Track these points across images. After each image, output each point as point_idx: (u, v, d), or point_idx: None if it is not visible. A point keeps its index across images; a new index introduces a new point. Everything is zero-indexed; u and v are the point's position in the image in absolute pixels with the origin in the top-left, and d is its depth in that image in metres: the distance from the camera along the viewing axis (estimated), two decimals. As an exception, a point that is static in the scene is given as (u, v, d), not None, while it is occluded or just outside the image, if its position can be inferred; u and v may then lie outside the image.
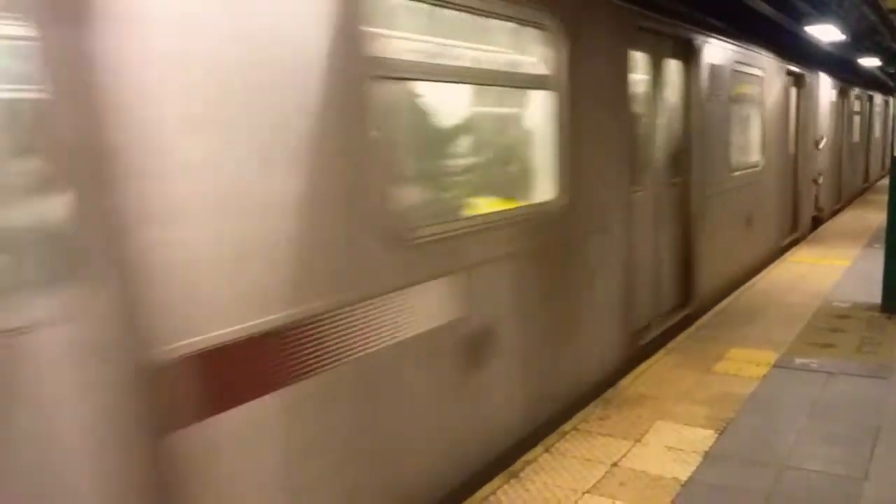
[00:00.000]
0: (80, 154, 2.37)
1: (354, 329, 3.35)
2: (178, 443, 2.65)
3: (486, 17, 4.33)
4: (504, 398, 4.55)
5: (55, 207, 2.34)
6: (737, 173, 8.85)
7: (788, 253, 11.25)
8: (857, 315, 7.62)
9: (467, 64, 4.32)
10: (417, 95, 4.08)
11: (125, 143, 2.45)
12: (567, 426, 5.04)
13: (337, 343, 3.26)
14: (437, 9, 3.95)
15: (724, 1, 7.19)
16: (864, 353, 6.42)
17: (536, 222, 4.77)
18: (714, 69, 7.70)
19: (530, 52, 4.75)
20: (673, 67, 7.02)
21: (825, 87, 13.55)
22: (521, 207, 4.70)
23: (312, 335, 3.12)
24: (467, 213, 4.43)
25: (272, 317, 2.95)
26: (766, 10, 7.93)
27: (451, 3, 3.97)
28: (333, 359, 3.25)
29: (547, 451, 4.67)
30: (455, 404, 4.10)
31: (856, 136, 17.59)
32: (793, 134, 11.66)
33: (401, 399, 3.69)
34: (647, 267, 6.67)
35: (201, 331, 2.70)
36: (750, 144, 9.52)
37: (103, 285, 2.43)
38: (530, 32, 4.71)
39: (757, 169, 9.70)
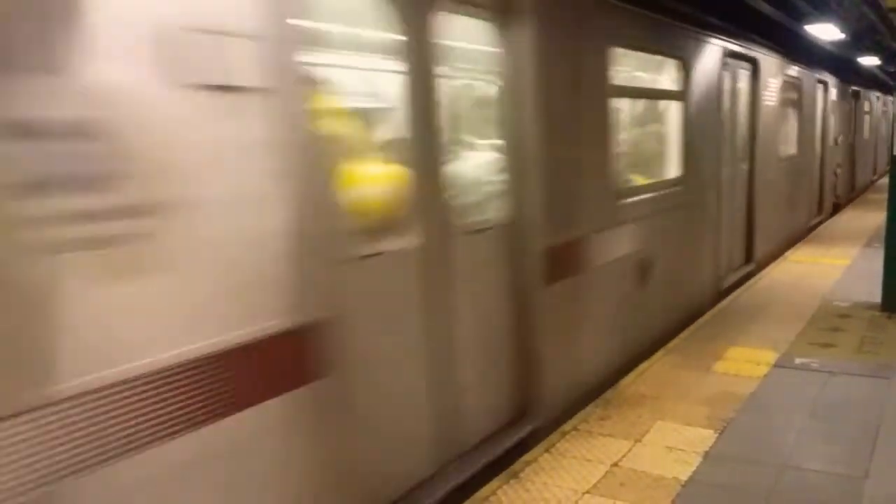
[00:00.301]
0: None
1: (600, 246, 5.62)
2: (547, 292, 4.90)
3: (652, 54, 6.84)
4: (656, 305, 6.77)
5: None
6: (782, 163, 11.01)
7: (790, 251, 11.26)
8: (857, 314, 7.61)
9: (645, 85, 7.24)
10: (618, 108, 6.14)
11: None
12: (567, 426, 5.03)
13: (594, 253, 5.52)
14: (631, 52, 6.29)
15: (774, 26, 9.17)
16: (864, 353, 6.42)
17: (671, 191, 6.99)
18: (768, 79, 9.95)
19: (670, 77, 7.17)
20: (743, 79, 9.16)
21: (843, 91, 15.88)
22: (663, 180, 7.05)
23: (587, 246, 5.44)
24: (635, 184, 6.57)
25: (579, 233, 5.34)
26: (808, 33, 10.05)
27: (642, 48, 6.52)
28: (592, 264, 5.49)
29: (547, 451, 4.67)
30: (633, 303, 6.32)
31: (866, 134, 19.76)
32: (819, 131, 13.70)
33: (616, 297, 6.01)
34: (725, 230, 8.61)
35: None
36: (789, 140, 11.45)
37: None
38: (672, 63, 7.11)
39: (794, 161, 11.77)
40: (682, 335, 7.05)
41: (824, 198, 14.61)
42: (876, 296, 7.82)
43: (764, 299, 8.36)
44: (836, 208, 15.59)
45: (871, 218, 14.08)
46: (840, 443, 4.73)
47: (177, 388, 2.51)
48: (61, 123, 2.19)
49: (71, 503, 2.26)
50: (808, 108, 12.49)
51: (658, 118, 7.37)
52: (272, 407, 2.84)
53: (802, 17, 9.20)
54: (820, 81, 13.36)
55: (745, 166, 9.27)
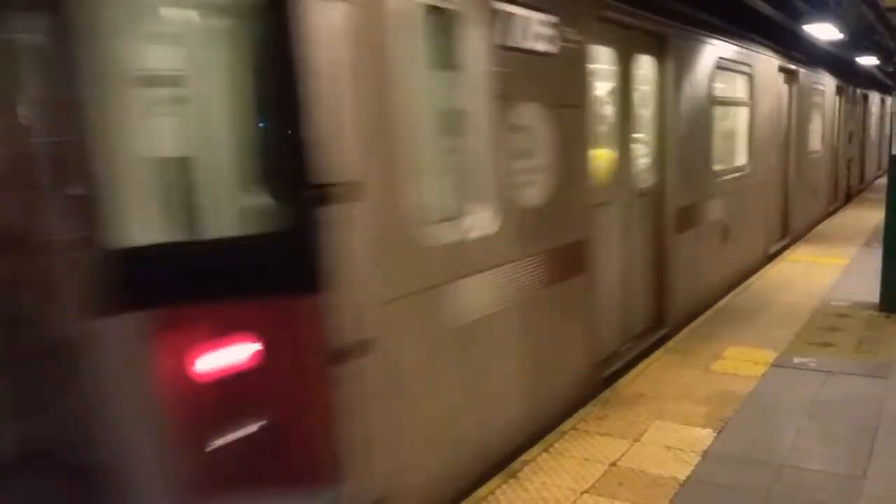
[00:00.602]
0: None
1: (705, 210, 7.75)
2: (675, 239, 7.04)
3: (733, 72, 8.86)
4: (730, 258, 8.80)
5: None
6: (811, 156, 13.14)
7: (787, 251, 11.27)
8: (855, 314, 7.61)
9: (726, 95, 8.85)
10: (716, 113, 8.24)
11: None
12: (566, 426, 5.03)
13: (701, 215, 7.66)
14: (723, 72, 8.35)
15: (810, 45, 11.23)
16: (862, 353, 6.42)
17: (740, 176, 9.07)
18: (804, 86, 12.10)
19: (741, 88, 9.35)
20: (784, 88, 11.37)
21: (854, 95, 18.01)
22: (736, 167, 9.09)
23: (698, 210, 7.56)
24: (722, 169, 8.43)
25: (694, 200, 7.49)
26: (832, 49, 11.99)
27: (730, 69, 8.58)
28: (700, 223, 7.60)
29: (546, 450, 4.67)
30: (719, 258, 8.40)
31: (872, 132, 21.94)
32: (836, 130, 15.69)
33: (711, 248, 8.09)
34: (771, 210, 10.77)
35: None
36: (814, 137, 13.29)
37: None
38: (743, 78, 9.25)
39: (818, 155, 13.73)
40: (681, 334, 7.06)
41: (839, 188, 16.66)
42: (874, 296, 7.82)
43: (762, 299, 8.36)
44: (848, 197, 17.75)
45: (870, 218, 14.08)
46: (838, 442, 4.74)
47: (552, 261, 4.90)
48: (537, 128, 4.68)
49: (520, 299, 4.57)
50: (829, 111, 14.57)
51: (733, 119, 9.44)
52: (572, 282, 5.21)
53: (801, 17, 9.20)
54: (837, 87, 15.49)
55: (782, 159, 11.37)
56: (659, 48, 6.64)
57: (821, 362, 6.18)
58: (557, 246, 4.95)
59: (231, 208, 3.19)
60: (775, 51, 10.23)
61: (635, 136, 6.40)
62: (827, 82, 14.17)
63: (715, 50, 7.88)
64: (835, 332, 7.00)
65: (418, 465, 3.73)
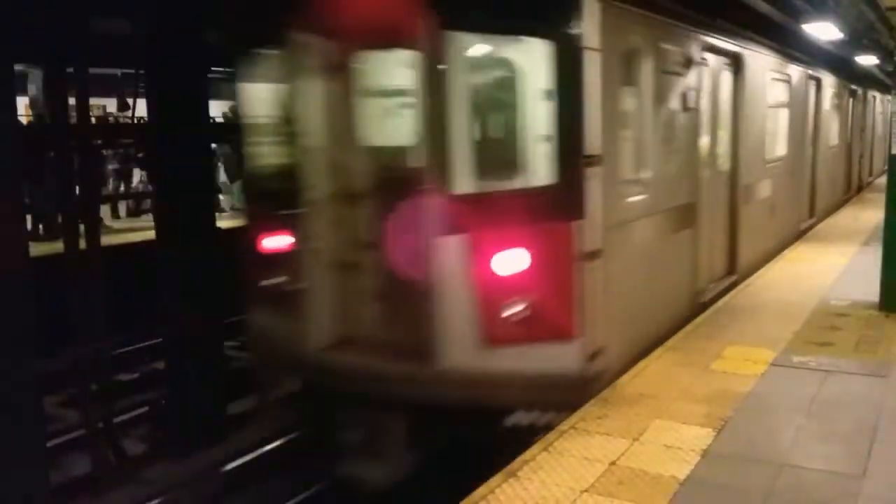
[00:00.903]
0: None
1: (760, 188, 9.70)
2: (742, 209, 9.13)
3: (779, 80, 10.62)
4: (776, 229, 10.76)
5: None
6: (832, 150, 15.34)
7: (787, 250, 11.27)
8: (855, 313, 7.61)
9: (776, 99, 10.55)
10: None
11: None
12: (565, 425, 5.02)
13: (758, 192, 9.66)
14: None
15: (832, 56, 13.63)
16: (862, 352, 6.41)
17: (781, 164, 10.92)
18: (825, 91, 14.22)
19: (782, 92, 11.00)
20: (812, 92, 13.26)
21: (864, 96, 20.50)
22: (778, 157, 10.83)
23: (756, 188, 9.58)
24: (768, 157, 10.29)
25: (753, 180, 9.57)
26: (847, 57, 14.25)
27: (778, 79, 10.58)
28: (757, 198, 9.70)
29: (545, 449, 4.66)
30: (769, 227, 10.32)
31: (879, 130, 23.76)
32: (849, 127, 17.76)
33: (763, 219, 10.00)
34: (802, 193, 12.81)
35: None
36: (832, 134, 15.47)
37: None
38: (784, 84, 10.98)
39: (836, 149, 15.99)
40: (681, 333, 7.06)
41: (852, 179, 18.79)
42: (874, 295, 7.81)
43: (762, 298, 8.36)
44: (860, 188, 19.93)
45: (869, 217, 14.08)
46: (838, 441, 4.73)
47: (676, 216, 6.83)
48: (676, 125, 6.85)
49: (663, 237, 6.59)
50: (843, 110, 16.62)
51: (776, 118, 10.96)
52: (685, 232, 7.06)
53: (801, 16, 9.21)
54: (851, 91, 17.55)
55: (809, 152, 13.21)
56: (735, 65, 8.62)
57: (820, 361, 6.17)
58: (681, 204, 7.01)
59: (541, 168, 5.19)
60: (805, 62, 12.31)
61: (720, 131, 8.32)
62: (842, 86, 16.50)
63: (767, 64, 9.93)
64: (834, 332, 6.99)
65: (618, 332, 5.70)
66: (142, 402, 7.21)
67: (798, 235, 12.25)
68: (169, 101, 6.26)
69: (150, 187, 11.05)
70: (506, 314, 4.87)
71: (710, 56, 7.64)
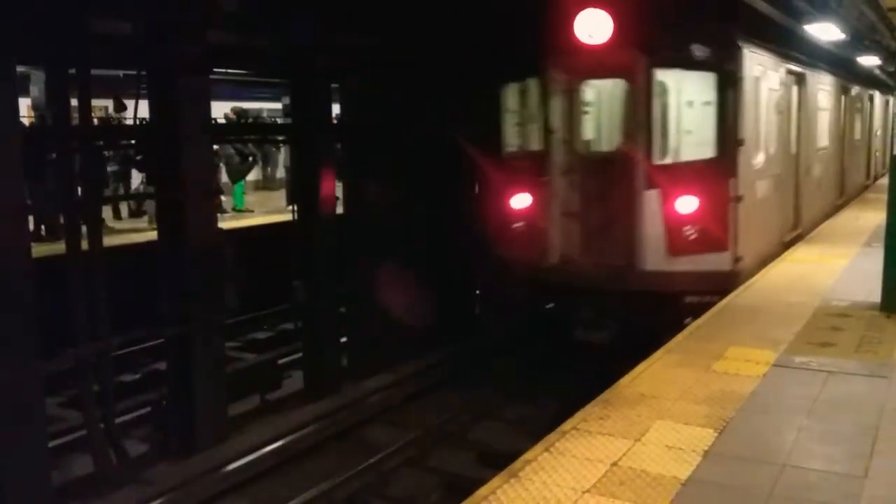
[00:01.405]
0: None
1: (813, 169, 12.80)
2: None
3: (822, 91, 13.81)
4: (823, 202, 13.85)
5: None
6: (856, 143, 18.18)
7: (788, 251, 11.27)
8: (856, 314, 7.60)
9: (821, 104, 13.66)
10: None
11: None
12: (567, 425, 5.02)
13: (812, 171, 12.76)
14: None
15: (853, 66, 16.37)
16: (863, 353, 6.40)
17: (824, 152, 13.69)
18: (851, 96, 17.09)
19: (824, 98, 13.97)
20: (841, 96, 16.19)
21: (883, 99, 24.60)
22: (822, 146, 13.59)
23: (812, 168, 12.78)
24: (817, 146, 13.28)
25: (810, 162, 12.81)
26: (867, 65, 17.16)
27: (822, 90, 13.83)
28: (813, 175, 12.97)
29: (547, 450, 4.66)
30: (818, 199, 13.38)
31: (892, 127, 28.23)
32: (868, 125, 20.79)
33: (813, 192, 13.12)
34: (834, 176, 15.45)
35: None
36: (856, 130, 18.21)
37: None
38: (825, 93, 13.82)
39: (859, 143, 18.84)
40: (682, 334, 7.05)
41: (870, 171, 21.87)
42: (875, 295, 7.80)
43: (763, 299, 8.35)
44: (875, 178, 22.40)
45: (871, 218, 14.07)
46: (839, 442, 4.72)
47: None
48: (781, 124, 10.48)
49: (770, 194, 9.87)
50: (866, 111, 20.07)
51: (819, 118, 13.61)
52: (777, 193, 10.25)
53: (803, 18, 9.22)
54: (869, 95, 20.65)
55: (840, 144, 15.92)
56: (799, 82, 11.57)
57: (822, 362, 6.16)
58: (776, 173, 9.94)
59: (710, 148, 8.28)
60: (837, 74, 15.03)
61: (791, 125, 11.12)
62: (863, 92, 19.55)
63: (816, 79, 12.66)
64: (836, 332, 6.99)
65: (750, 248, 8.64)
66: (144, 403, 7.22)
67: (834, 210, 14.97)
68: (170, 102, 6.28)
69: (148, 189, 11.08)
70: (685, 235, 8.15)
71: (788, 77, 10.75)
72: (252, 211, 15.06)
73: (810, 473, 4.33)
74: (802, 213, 11.97)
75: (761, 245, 9.42)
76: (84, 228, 6.03)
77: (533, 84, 8.62)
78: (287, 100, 14.11)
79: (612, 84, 8.63)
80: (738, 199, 8.26)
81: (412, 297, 8.48)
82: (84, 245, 5.97)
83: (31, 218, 11.44)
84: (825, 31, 9.89)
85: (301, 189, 7.88)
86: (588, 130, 8.90)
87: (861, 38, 11.88)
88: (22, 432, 5.25)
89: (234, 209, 15.12)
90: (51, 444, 6.01)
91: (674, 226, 8.09)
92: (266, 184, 20.36)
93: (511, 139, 9.02)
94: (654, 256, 8.09)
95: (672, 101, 8.33)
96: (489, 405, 8.18)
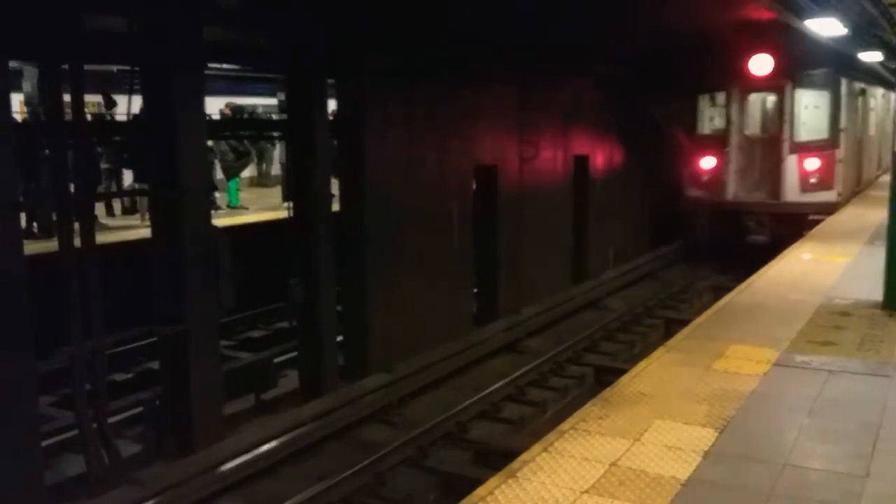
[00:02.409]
0: None
1: (863, 150, 18.84)
2: None
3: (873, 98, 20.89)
4: (868, 176, 20.18)
5: None
6: (889, 133, 21.51)
7: (788, 249, 11.22)
8: (858, 312, 7.55)
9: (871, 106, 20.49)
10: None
11: None
12: (565, 425, 4.97)
13: (862, 151, 18.98)
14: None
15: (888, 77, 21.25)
16: (865, 351, 6.36)
17: (868, 142, 19.89)
18: (888, 99, 24.35)
19: (872, 102, 21.01)
20: (882, 100, 23.06)
21: None
22: (870, 135, 20.35)
23: (862, 150, 18.83)
24: (867, 134, 19.90)
25: (860, 147, 18.80)
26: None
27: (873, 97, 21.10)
28: (863, 156, 19.46)
29: (545, 450, 4.60)
30: (867, 173, 19.96)
31: None
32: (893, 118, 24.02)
33: (865, 169, 19.69)
34: (876, 157, 21.64)
35: None
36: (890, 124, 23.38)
37: None
38: (873, 98, 20.93)
39: (891, 132, 21.20)
40: (682, 333, 7.00)
41: None
42: (877, 294, 7.76)
43: (764, 297, 8.30)
44: None
45: (874, 215, 14.01)
46: (840, 441, 4.68)
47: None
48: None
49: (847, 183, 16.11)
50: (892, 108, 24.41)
51: (869, 115, 19.41)
52: (855, 160, 17.35)
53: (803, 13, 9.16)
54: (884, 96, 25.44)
55: (880, 134, 21.17)
56: (862, 92, 16.76)
57: (823, 361, 6.12)
58: (852, 146, 15.86)
59: (824, 132, 14.74)
60: (881, 85, 20.84)
61: (859, 120, 16.39)
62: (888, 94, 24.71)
63: (870, 91, 18.39)
64: (837, 331, 6.94)
65: (845, 188, 15.27)
66: (138, 402, 7.17)
67: (875, 178, 20.75)
68: (165, 98, 6.23)
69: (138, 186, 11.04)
70: (809, 181, 14.33)
71: (859, 91, 16.55)
72: (247, 208, 15.00)
73: (811, 473, 4.30)
74: (863, 175, 18.71)
75: (849, 189, 15.94)
76: (77, 225, 5.97)
77: (719, 95, 15.22)
78: (283, 95, 14.08)
79: (767, 95, 14.97)
80: (839, 161, 14.59)
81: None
82: (77, 242, 5.91)
83: (23, 215, 11.43)
84: (827, 27, 9.81)
85: (297, 185, 7.83)
86: (753, 121, 15.19)
87: (862, 34, 11.79)
88: (14, 432, 5.20)
89: (228, 206, 15.05)
90: (43, 444, 5.95)
91: (803, 175, 14.46)
92: (261, 180, 20.30)
93: (703, 126, 15.37)
94: (791, 193, 14.41)
95: (800, 106, 14.60)
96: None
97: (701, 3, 9.83)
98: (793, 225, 13.72)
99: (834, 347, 6.46)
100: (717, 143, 14.79)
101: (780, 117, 14.44)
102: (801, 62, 13.82)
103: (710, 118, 15.44)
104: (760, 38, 12.81)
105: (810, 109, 14.59)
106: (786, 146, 14.31)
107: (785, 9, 8.92)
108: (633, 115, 14.11)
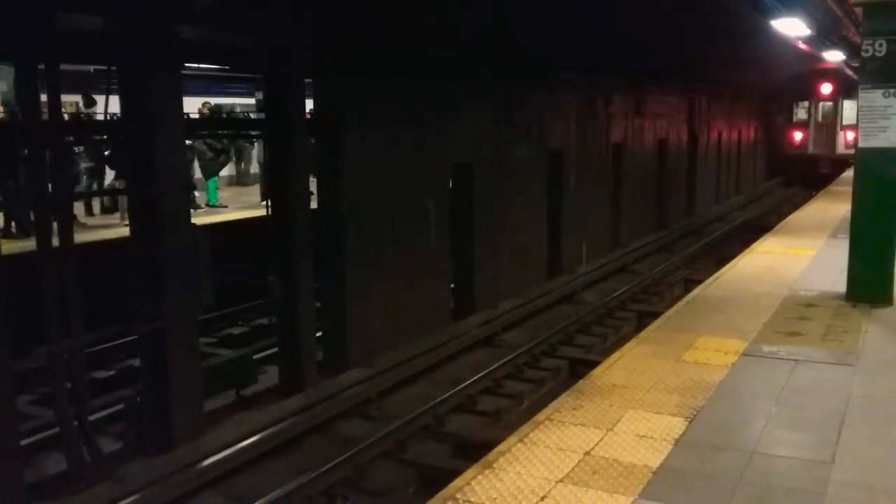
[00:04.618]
0: None
1: None
2: None
3: None
4: None
5: None
6: None
7: (755, 243, 11.44)
8: (823, 304, 7.76)
9: None
10: None
11: None
12: (540, 416, 5.09)
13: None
14: None
15: None
16: (830, 341, 6.55)
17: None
18: None
19: None
20: None
21: None
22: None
23: None
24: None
25: None
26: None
27: None
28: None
29: (520, 441, 4.72)
30: None
31: None
32: None
33: None
34: None
35: None
36: None
37: None
38: None
39: None
40: (653, 325, 7.16)
41: None
42: (841, 285, 7.97)
43: (732, 290, 8.49)
44: None
45: (837, 210, 14.32)
46: (807, 429, 4.84)
47: None
48: None
49: None
50: None
51: None
52: None
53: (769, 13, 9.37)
54: None
55: None
56: None
57: (789, 351, 6.30)
58: None
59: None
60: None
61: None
62: None
63: None
64: (803, 322, 7.13)
65: None
66: (118, 400, 7.18)
67: None
68: (142, 98, 6.25)
69: (118, 185, 11.01)
70: (851, 143, 21.63)
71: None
72: (226, 206, 14.98)
73: (779, 460, 4.44)
74: None
75: None
76: (55, 225, 5.98)
77: (803, 102, 27.66)
78: (261, 95, 14.06)
79: (828, 102, 27.14)
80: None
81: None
82: (56, 241, 5.92)
83: (1, 215, 11.34)
84: (791, 27, 10.02)
85: (275, 184, 7.88)
86: (821, 115, 27.33)
87: (828, 34, 12.03)
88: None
89: (207, 204, 15.03)
90: (25, 442, 5.96)
91: (845, 141, 25.78)
92: (240, 179, 20.25)
93: (796, 117, 27.84)
94: (840, 149, 26.44)
95: (845, 108, 25.85)
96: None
97: (798, 60, 21.70)
98: (841, 165, 24.84)
99: (800, 338, 6.64)
100: (804, 126, 27.89)
101: (835, 113, 26.91)
102: (844, 86, 25.69)
103: (798, 114, 28.10)
104: (825, 75, 26.14)
105: (849, 109, 24.62)
106: (838, 127, 26.84)
107: (761, 16, 9.27)
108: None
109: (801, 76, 26.26)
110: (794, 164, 28.74)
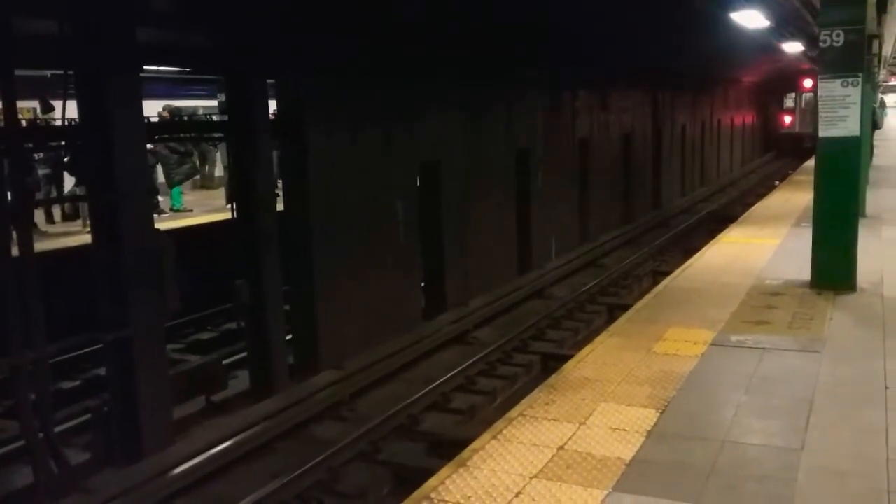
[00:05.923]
0: None
1: None
2: None
3: None
4: None
5: None
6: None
7: (721, 234, 11.57)
8: (788, 292, 7.86)
9: None
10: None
11: None
12: (513, 412, 5.09)
13: None
14: None
15: None
16: (796, 329, 6.63)
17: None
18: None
19: None
20: None
21: None
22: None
23: None
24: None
25: None
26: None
27: None
28: None
29: (494, 437, 4.72)
30: None
31: None
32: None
33: None
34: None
35: None
36: None
37: None
38: None
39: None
40: (623, 318, 7.19)
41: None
42: (806, 273, 8.08)
43: (700, 281, 8.57)
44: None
45: (800, 199, 14.53)
46: (776, 416, 4.90)
47: None
48: None
49: None
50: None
51: None
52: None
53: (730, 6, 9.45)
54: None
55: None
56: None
57: (757, 340, 6.37)
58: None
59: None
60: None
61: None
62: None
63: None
64: (769, 310, 7.22)
65: None
66: (84, 410, 7.06)
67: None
68: (101, 102, 6.15)
69: (79, 191, 10.84)
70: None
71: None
72: (191, 210, 14.80)
73: (749, 448, 4.49)
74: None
75: None
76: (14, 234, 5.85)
77: (791, 94, 35.50)
78: (223, 97, 13.88)
79: (811, 94, 31.58)
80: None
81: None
82: (16, 251, 5.80)
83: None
84: (750, 19, 10.14)
85: (240, 186, 7.80)
86: (805, 103, 34.14)
87: (786, 25, 12.19)
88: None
89: (171, 209, 14.84)
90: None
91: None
92: (204, 182, 20.02)
93: (786, 105, 36.12)
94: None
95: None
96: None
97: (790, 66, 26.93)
98: None
99: (767, 326, 6.72)
100: (792, 111, 35.36)
101: (815, 101, 31.78)
102: None
103: (786, 102, 35.49)
104: (807, 73, 29.25)
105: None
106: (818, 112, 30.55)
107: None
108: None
109: (786, 75, 32.42)
110: (785, 140, 36.00)
